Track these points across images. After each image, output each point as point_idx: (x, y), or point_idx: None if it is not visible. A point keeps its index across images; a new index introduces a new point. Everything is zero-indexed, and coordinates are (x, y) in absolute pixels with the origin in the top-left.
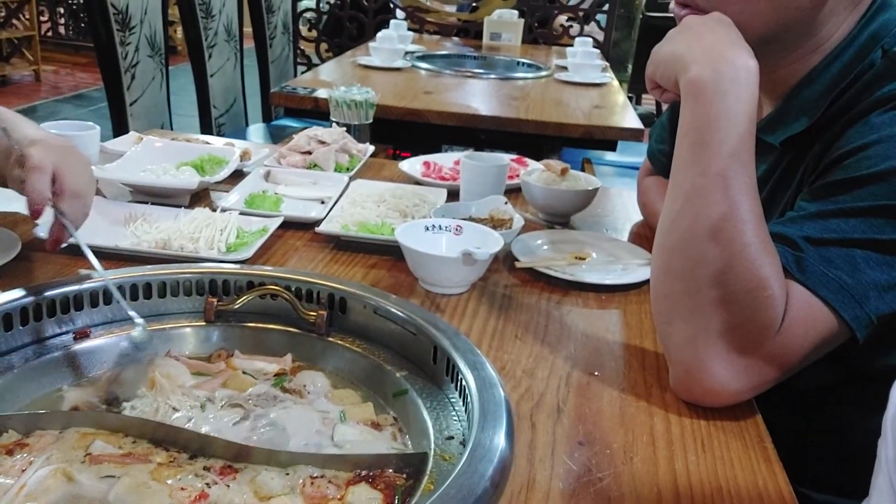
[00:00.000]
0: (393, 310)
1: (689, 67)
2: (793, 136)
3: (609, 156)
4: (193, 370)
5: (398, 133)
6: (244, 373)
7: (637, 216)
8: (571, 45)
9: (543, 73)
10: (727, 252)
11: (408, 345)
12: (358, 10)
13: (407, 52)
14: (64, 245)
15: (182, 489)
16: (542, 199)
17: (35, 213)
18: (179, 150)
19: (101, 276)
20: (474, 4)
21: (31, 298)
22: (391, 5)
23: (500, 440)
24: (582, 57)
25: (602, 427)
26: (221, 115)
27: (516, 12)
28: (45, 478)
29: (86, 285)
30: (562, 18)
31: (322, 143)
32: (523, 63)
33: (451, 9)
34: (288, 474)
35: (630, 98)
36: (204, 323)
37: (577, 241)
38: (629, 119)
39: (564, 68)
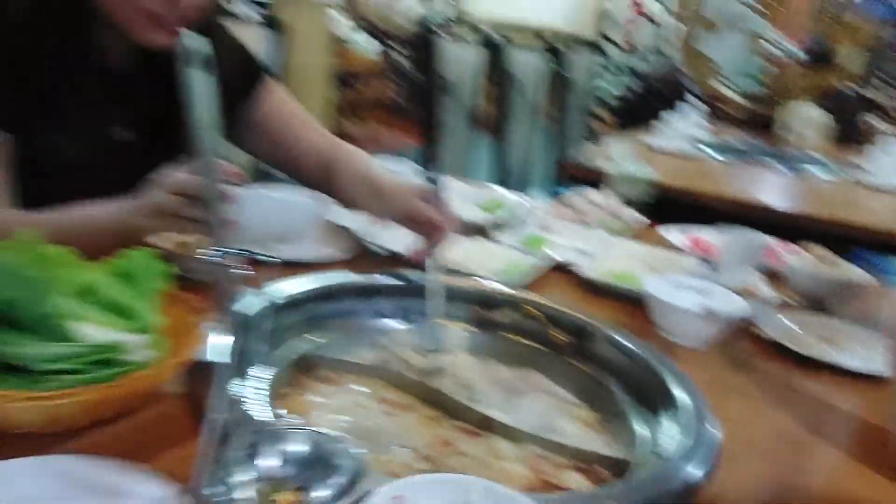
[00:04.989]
0: (628, 344)
1: None
2: None
3: None
4: None
5: (674, 212)
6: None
7: None
8: (876, 145)
9: (841, 173)
10: None
11: (635, 376)
12: (655, 95)
13: (695, 138)
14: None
15: (437, 435)
16: (803, 281)
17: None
18: (471, 192)
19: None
20: (775, 98)
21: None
22: (688, 92)
23: (700, 463)
24: (890, 159)
25: (804, 483)
26: (513, 180)
27: (817, 107)
28: (346, 402)
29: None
30: (869, 116)
31: (595, 204)
32: (819, 160)
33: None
34: (518, 447)
35: None
36: (470, 327)
37: (834, 328)
38: None
39: (865, 170)
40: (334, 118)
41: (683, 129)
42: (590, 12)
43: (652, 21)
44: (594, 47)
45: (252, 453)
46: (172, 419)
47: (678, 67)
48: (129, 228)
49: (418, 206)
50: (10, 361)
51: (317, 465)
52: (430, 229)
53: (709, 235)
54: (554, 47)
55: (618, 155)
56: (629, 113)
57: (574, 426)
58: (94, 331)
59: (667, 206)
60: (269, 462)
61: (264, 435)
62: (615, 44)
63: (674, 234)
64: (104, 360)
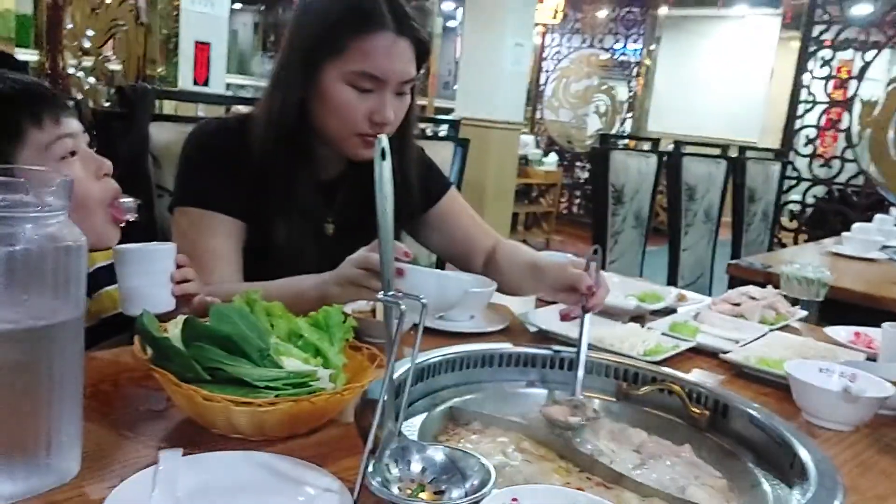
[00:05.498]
0: (767, 421)
1: None
2: None
3: None
4: None
5: (848, 314)
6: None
7: None
8: None
9: None
10: None
11: (769, 449)
12: (846, 204)
13: (887, 246)
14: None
15: (568, 483)
16: None
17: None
18: (629, 284)
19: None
20: None
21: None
22: (885, 202)
23: None
24: None
25: None
26: (686, 285)
27: None
28: (490, 449)
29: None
30: None
31: (753, 298)
32: None
33: None
34: (644, 502)
35: None
36: (613, 400)
37: None
38: None
39: None
40: (513, 226)
41: (875, 237)
42: (777, 127)
43: (844, 132)
44: (780, 157)
45: (403, 460)
46: (345, 438)
47: (872, 176)
48: (326, 294)
49: (574, 273)
50: (235, 377)
51: (453, 471)
52: (585, 295)
53: (875, 332)
54: (733, 157)
55: (796, 259)
56: (817, 222)
57: (703, 491)
58: (295, 363)
59: (840, 308)
60: (415, 467)
61: (413, 447)
62: (803, 154)
63: (837, 330)
64: (300, 383)
